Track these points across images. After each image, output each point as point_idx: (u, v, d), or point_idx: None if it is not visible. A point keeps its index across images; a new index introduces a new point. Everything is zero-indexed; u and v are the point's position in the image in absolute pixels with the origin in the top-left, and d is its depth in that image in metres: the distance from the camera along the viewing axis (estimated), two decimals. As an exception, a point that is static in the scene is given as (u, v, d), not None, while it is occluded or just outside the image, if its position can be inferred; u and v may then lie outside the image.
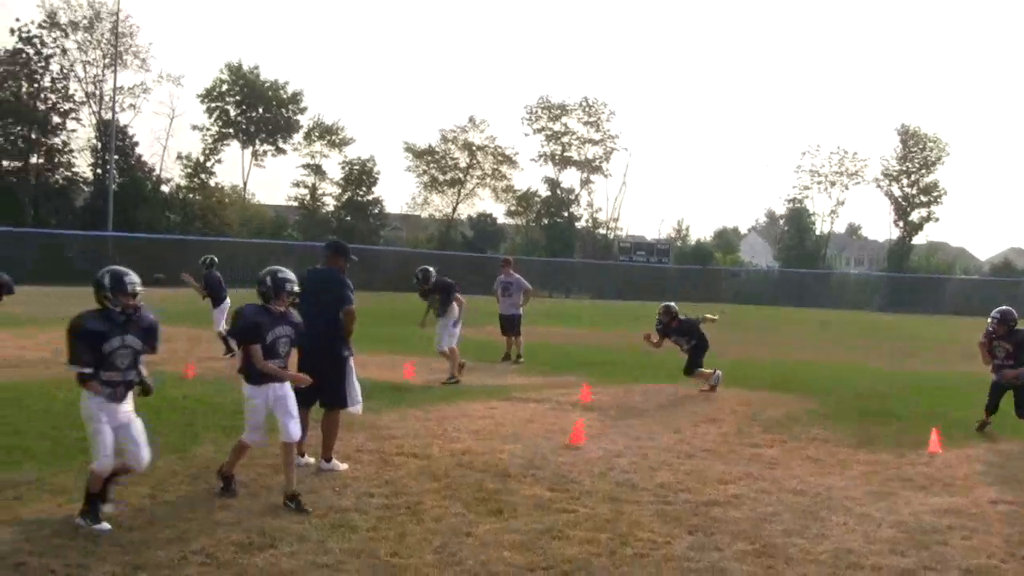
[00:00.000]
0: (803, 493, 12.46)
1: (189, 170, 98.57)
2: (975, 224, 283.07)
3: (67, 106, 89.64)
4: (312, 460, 13.07)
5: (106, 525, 9.58)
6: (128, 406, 10.53)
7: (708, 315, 23.01)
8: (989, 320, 17.80)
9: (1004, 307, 17.93)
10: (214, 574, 8.50)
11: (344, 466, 12.96)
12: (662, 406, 19.64)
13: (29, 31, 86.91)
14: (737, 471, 13.64)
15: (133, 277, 10.30)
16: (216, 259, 27.73)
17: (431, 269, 23.67)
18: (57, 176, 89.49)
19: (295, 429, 11.30)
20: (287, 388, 11.39)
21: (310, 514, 10.34)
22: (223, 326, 25.52)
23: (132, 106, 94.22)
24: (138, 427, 10.51)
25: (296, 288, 11.46)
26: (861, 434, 17.13)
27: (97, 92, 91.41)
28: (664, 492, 12.18)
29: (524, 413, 18.00)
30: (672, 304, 22.87)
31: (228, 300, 26.35)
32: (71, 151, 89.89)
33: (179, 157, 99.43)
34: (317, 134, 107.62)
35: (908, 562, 9.57)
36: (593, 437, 15.71)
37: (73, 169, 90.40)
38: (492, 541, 9.80)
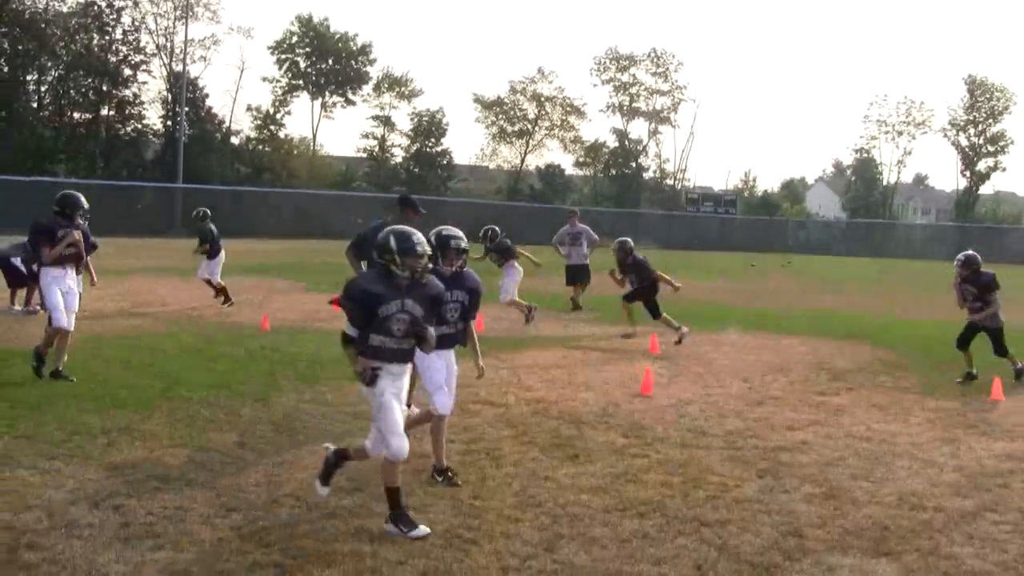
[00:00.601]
0: (868, 439, 12.82)
1: (258, 122, 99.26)
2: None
3: (138, 58, 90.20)
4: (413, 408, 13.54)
5: (425, 528, 8.64)
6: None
7: (673, 282, 22.81)
8: (955, 263, 18.22)
9: (968, 251, 18.57)
10: (305, 516, 8.90)
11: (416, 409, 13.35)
12: (730, 355, 19.96)
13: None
14: (804, 418, 14.02)
15: (419, 237, 9.20)
16: (209, 211, 27.67)
17: (497, 230, 24.50)
18: (127, 128, 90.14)
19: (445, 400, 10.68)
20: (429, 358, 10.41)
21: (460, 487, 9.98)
22: (215, 277, 25.93)
23: (203, 58, 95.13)
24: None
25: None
26: (925, 382, 17.46)
27: (168, 44, 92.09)
28: (733, 438, 12.56)
29: (595, 362, 18.39)
30: (627, 240, 22.87)
31: (223, 253, 26.55)
32: (142, 103, 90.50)
33: (249, 109, 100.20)
34: (386, 85, 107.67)
35: (970, 504, 9.93)
36: (662, 386, 16.13)
37: (144, 121, 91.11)
38: (570, 484, 10.23)
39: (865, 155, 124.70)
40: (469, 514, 9.18)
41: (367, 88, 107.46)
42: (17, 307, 22.89)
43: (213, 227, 26.64)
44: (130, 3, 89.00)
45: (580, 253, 28.91)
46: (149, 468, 10.25)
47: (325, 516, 8.92)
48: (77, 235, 14.87)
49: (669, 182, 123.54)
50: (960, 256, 18.27)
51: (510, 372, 16.84)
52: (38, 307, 22.41)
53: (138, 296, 26.50)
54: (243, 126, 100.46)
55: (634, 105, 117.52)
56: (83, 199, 15.26)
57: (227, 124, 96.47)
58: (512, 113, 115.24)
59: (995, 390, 16.11)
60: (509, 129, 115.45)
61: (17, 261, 22.95)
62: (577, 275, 28.73)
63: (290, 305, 25.85)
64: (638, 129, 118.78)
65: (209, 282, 26.12)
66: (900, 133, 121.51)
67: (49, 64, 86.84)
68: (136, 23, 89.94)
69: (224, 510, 8.98)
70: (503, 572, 7.67)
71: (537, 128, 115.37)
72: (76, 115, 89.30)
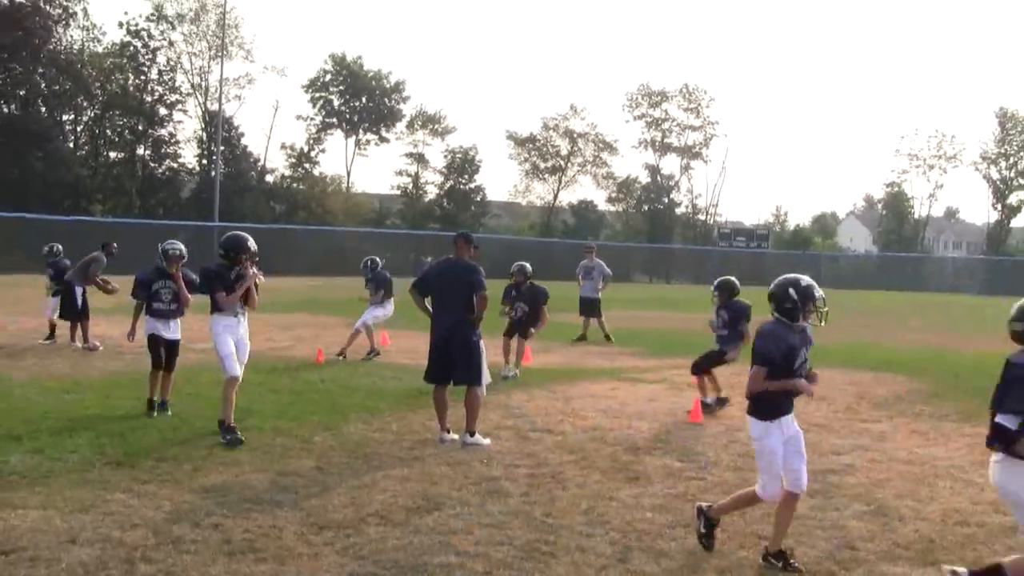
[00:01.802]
0: (911, 462, 13.50)
1: (293, 160, 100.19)
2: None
3: (173, 98, 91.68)
4: (456, 436, 14.19)
5: None
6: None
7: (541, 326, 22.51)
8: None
9: (724, 277, 18.46)
10: (392, 532, 9.54)
11: (487, 441, 14.05)
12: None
13: (137, 24, 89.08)
14: (848, 443, 14.69)
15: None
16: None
17: (378, 260, 25.70)
18: (163, 167, 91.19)
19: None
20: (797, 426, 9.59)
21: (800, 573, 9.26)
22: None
23: (237, 97, 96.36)
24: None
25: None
26: (963, 410, 18.02)
27: (203, 83, 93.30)
28: (783, 462, 13.25)
29: (644, 393, 19.01)
30: (526, 264, 22.34)
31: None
32: (177, 142, 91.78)
33: (283, 147, 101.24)
34: (420, 123, 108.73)
35: (1009, 520, 10.53)
36: (710, 414, 16.82)
37: (179, 160, 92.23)
38: (633, 504, 10.89)
39: (896, 189, 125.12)
40: (544, 530, 9.79)
41: (400, 125, 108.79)
42: (77, 343, 23.45)
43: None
44: (165, 43, 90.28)
45: (591, 286, 30.45)
46: (238, 491, 10.90)
47: (411, 533, 9.55)
48: (255, 277, 14.31)
49: (701, 217, 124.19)
50: (716, 281, 18.40)
51: (563, 402, 17.47)
52: (97, 344, 23.13)
53: (190, 332, 27.11)
54: (278, 164, 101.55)
55: (666, 140, 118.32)
56: (251, 240, 14.42)
57: (262, 162, 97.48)
58: (545, 149, 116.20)
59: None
60: (542, 165, 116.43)
61: (79, 291, 23.63)
62: (584, 307, 30.32)
63: (340, 340, 26.52)
64: (670, 164, 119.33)
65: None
66: (931, 167, 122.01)
67: (85, 104, 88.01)
68: (171, 63, 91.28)
69: (316, 527, 9.61)
70: (582, 580, 8.34)
71: (570, 164, 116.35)
72: (112, 154, 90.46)
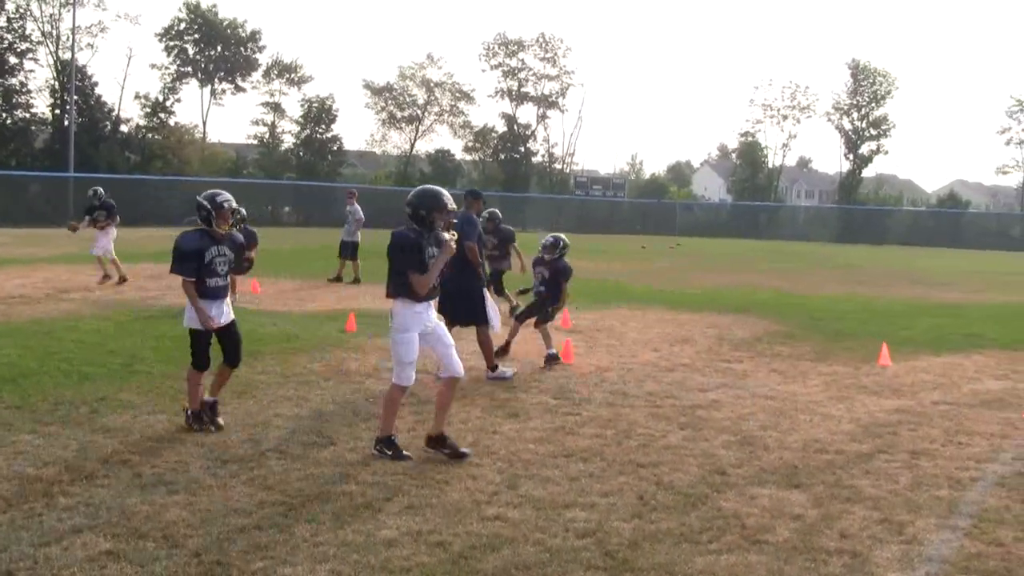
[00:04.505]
0: (772, 398, 14.39)
1: (148, 110, 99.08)
2: (922, 157, 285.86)
3: (24, 46, 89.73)
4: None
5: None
6: None
7: None
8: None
9: (553, 234, 18.35)
10: (292, 465, 10.09)
11: (510, 371, 15.57)
12: (636, 329, 21.38)
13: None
14: (714, 381, 15.58)
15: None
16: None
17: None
18: (15, 117, 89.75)
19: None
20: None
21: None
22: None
23: (90, 45, 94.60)
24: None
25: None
26: (819, 350, 19.09)
27: (54, 31, 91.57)
28: (653, 398, 14.03)
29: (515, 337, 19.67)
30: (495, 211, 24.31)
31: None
32: (29, 92, 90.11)
33: (137, 96, 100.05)
34: (276, 72, 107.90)
35: (865, 447, 11.49)
36: (581, 355, 17.58)
37: (32, 110, 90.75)
38: (516, 436, 11.59)
39: (750, 139, 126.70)
40: (435, 460, 10.46)
41: (257, 75, 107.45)
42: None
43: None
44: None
45: (348, 231, 32.09)
46: (139, 431, 11.36)
47: (311, 465, 10.13)
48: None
49: (558, 166, 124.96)
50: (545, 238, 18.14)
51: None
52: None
53: (58, 283, 27.28)
54: (132, 114, 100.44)
55: (523, 90, 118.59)
56: (447, 195, 10.83)
57: (116, 112, 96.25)
58: (402, 99, 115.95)
59: (883, 357, 17.73)
60: (399, 115, 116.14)
61: None
62: (344, 250, 31.91)
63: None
64: (527, 114, 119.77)
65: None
66: (785, 117, 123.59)
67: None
68: (20, 10, 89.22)
69: (220, 462, 10.12)
70: (477, 505, 8.95)
71: (427, 113, 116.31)
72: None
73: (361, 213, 32.43)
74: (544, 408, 13.28)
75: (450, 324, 14.85)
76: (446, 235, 10.50)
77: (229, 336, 12.07)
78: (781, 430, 12.36)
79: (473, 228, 15.99)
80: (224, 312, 11.96)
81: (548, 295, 17.69)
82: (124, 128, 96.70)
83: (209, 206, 11.72)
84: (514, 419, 12.57)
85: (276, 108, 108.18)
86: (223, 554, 7.53)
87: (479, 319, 15.29)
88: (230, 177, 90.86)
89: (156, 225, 60.65)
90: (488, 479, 9.78)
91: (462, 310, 15.36)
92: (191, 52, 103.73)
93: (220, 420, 11.67)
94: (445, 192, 10.80)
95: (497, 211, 24.08)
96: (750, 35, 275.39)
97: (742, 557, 7.86)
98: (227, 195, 11.90)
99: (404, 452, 10.51)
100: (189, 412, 11.66)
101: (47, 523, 8.11)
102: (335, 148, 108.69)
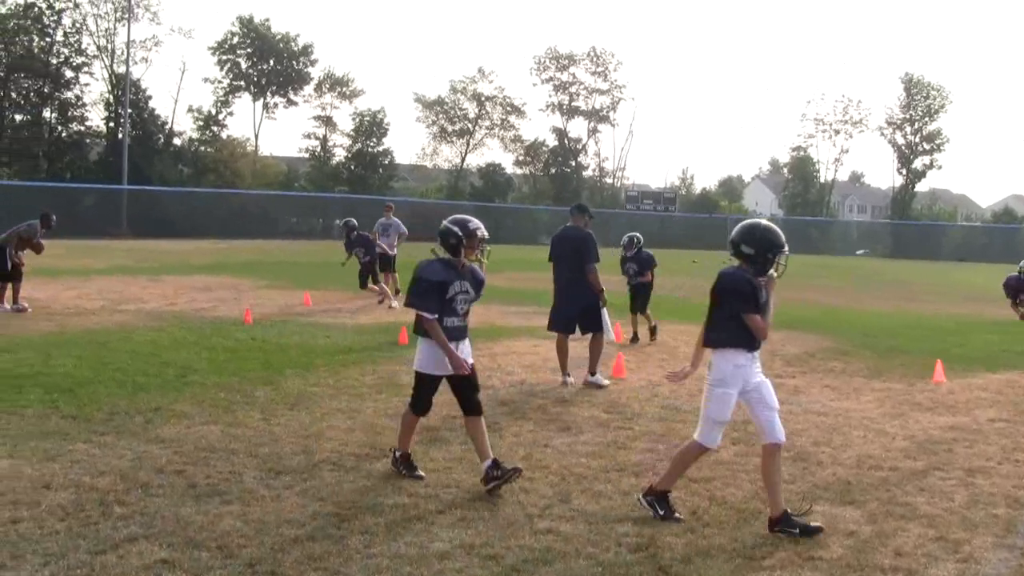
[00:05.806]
0: (825, 414, 14.29)
1: (200, 123, 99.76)
2: (977, 172, 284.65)
3: (79, 60, 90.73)
4: (573, 379, 16.16)
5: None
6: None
7: None
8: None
9: (627, 234, 23.04)
10: (345, 477, 10.14)
11: (606, 381, 16.01)
12: (689, 344, 21.27)
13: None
14: (766, 397, 15.46)
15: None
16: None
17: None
18: (70, 130, 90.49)
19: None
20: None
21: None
22: None
23: (144, 59, 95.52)
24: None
25: None
26: (872, 367, 18.96)
27: (109, 46, 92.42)
28: (705, 414, 13.98)
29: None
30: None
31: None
32: (84, 105, 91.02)
33: (190, 110, 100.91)
34: (328, 86, 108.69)
35: (919, 464, 11.39)
36: (633, 370, 17.58)
37: (87, 123, 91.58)
38: (568, 451, 11.58)
39: (802, 153, 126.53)
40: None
41: (308, 88, 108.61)
42: (6, 305, 23.54)
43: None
44: (71, 5, 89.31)
45: (388, 243, 31.38)
46: (193, 441, 11.41)
47: (363, 477, 10.18)
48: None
49: (608, 180, 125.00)
50: (624, 238, 22.72)
51: (489, 359, 17.99)
52: (25, 305, 23.32)
53: (112, 294, 27.47)
54: (185, 127, 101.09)
55: (573, 104, 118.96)
56: None
57: (169, 125, 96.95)
58: (453, 113, 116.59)
59: (937, 373, 17.60)
60: (450, 128, 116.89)
61: (10, 251, 23.73)
62: (382, 263, 31.01)
63: (262, 301, 27.01)
64: (577, 128, 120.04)
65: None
66: (837, 131, 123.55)
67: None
68: (77, 25, 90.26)
69: (273, 473, 10.17)
70: (529, 518, 8.95)
71: (477, 127, 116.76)
72: (18, 117, 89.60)
73: (404, 226, 32.16)
74: (596, 422, 13.26)
75: (564, 330, 16.36)
76: (773, 272, 9.19)
77: (469, 382, 10.27)
78: (834, 446, 12.28)
79: (591, 245, 16.88)
80: (465, 351, 10.31)
81: (648, 279, 22.87)
82: (177, 141, 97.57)
83: (461, 233, 10.10)
84: (566, 433, 12.57)
85: (327, 121, 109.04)
86: (277, 564, 7.56)
87: (597, 327, 16.37)
88: (281, 190, 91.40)
89: (208, 237, 60.82)
90: (540, 492, 9.77)
91: (587, 318, 16.43)
92: (244, 66, 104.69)
93: (421, 472, 10.34)
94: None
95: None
96: (803, 49, 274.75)
97: (796, 574, 7.82)
98: (477, 222, 10.30)
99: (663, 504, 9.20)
100: (398, 454, 10.50)
101: (103, 531, 8.16)
102: (386, 161, 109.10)
